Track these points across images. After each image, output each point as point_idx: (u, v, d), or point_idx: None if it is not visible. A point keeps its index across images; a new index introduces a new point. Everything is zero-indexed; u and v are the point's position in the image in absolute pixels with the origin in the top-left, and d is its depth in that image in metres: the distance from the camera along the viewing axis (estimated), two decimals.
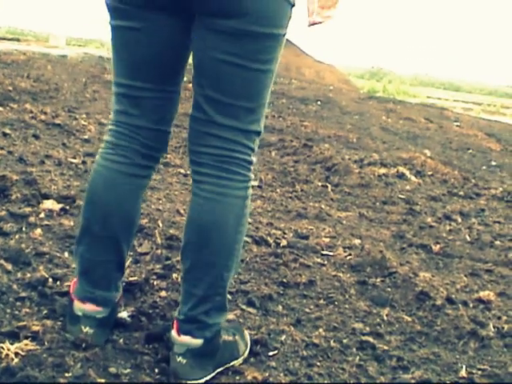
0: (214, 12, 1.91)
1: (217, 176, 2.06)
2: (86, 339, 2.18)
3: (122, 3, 2.02)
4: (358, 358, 2.46)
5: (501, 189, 6.40)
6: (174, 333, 2.12)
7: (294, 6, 2.01)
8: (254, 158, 2.14)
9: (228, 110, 2.01)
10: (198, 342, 2.08)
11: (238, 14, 1.89)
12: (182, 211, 4.08)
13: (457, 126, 13.90)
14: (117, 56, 2.15)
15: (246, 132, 2.06)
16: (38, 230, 3.25)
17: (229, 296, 2.79)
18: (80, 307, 2.24)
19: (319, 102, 13.75)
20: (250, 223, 3.99)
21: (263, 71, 1.99)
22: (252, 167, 2.13)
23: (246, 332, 2.39)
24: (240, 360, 2.27)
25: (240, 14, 1.89)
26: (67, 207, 3.72)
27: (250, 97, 2.02)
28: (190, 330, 2.09)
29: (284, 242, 3.67)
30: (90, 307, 2.24)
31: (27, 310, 2.40)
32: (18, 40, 27.05)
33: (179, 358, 2.09)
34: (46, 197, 3.82)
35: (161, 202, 4.27)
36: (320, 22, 2.13)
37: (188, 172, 5.30)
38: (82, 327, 2.22)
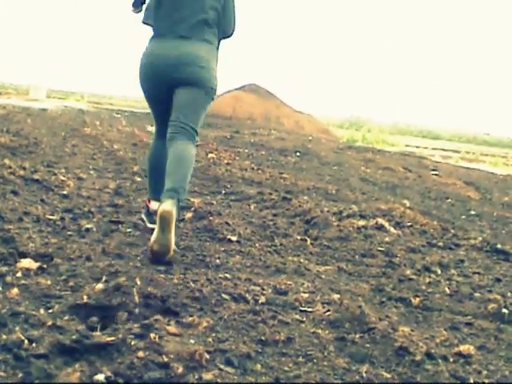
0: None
1: None
2: None
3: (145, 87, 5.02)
4: None
5: (480, 238, 6.42)
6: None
7: (215, 91, 5.00)
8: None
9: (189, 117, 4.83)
10: None
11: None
12: (161, 268, 4.06)
13: (435, 174, 14.01)
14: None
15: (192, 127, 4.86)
16: (15, 290, 3.22)
17: (206, 355, 2.77)
18: (155, 203, 4.94)
19: (298, 154, 13.84)
20: (228, 279, 3.98)
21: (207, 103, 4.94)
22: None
23: None
24: None
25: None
26: (44, 266, 3.70)
27: (197, 113, 4.87)
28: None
29: (262, 299, 3.65)
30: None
31: (2, 374, 2.37)
32: None
33: None
34: (24, 255, 3.81)
35: (139, 258, 4.25)
36: None
37: None
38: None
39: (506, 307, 4.09)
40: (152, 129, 15.31)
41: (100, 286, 3.44)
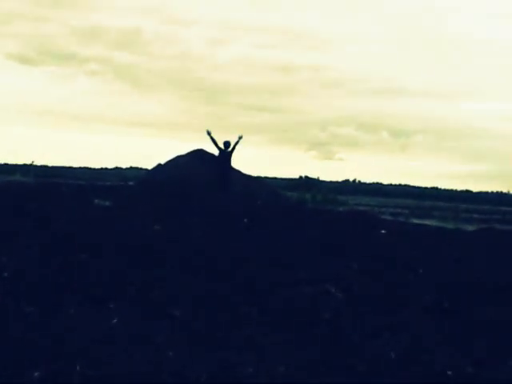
0: None
1: None
2: None
3: None
4: None
5: (428, 298, 6.43)
6: None
7: None
8: None
9: None
10: None
11: None
12: (104, 348, 3.98)
13: (385, 233, 14.07)
14: None
15: None
16: None
17: None
18: None
19: (246, 220, 13.83)
20: (171, 357, 3.91)
21: None
22: None
23: None
24: None
25: None
26: None
27: None
28: None
29: (205, 376, 3.59)
30: None
31: None
32: None
33: None
34: None
35: (81, 339, 4.16)
36: None
37: (111, 306, 5.20)
38: None
39: (451, 368, 4.09)
40: (97, 202, 15.30)
41: (38, 372, 3.37)
